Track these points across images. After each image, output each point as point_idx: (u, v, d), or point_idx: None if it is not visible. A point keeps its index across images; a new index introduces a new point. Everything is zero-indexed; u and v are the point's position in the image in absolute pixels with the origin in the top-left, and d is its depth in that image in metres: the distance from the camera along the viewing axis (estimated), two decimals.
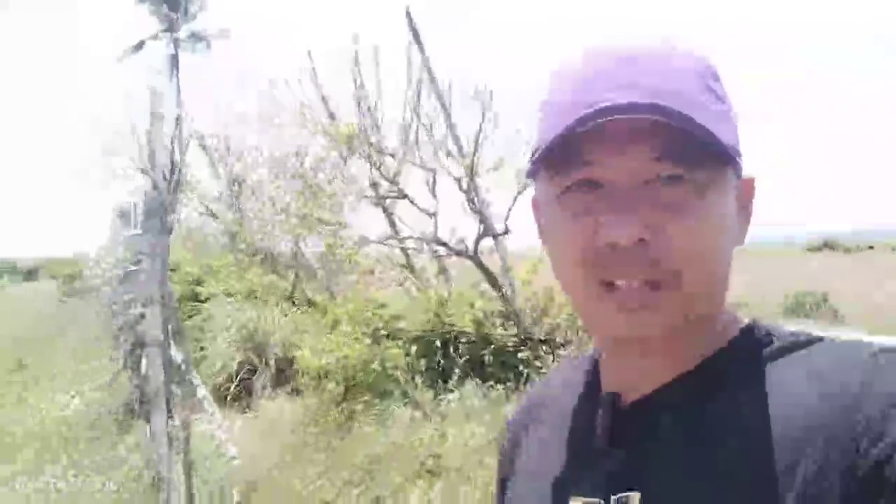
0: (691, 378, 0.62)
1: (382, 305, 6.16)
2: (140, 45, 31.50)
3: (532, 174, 0.64)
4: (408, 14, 5.55)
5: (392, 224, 7.22)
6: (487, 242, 5.63)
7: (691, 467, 0.57)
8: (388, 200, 6.54)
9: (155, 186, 4.45)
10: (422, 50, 5.66)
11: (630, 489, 0.60)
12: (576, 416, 0.71)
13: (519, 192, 5.61)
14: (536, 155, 0.60)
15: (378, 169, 5.82)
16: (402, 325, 6.17)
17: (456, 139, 5.67)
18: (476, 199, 5.65)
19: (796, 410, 0.54)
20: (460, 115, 5.75)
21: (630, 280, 0.57)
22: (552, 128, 0.57)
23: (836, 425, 0.51)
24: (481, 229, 5.75)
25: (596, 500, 0.62)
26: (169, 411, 4.76)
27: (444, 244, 5.88)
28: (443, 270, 7.03)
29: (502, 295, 6.06)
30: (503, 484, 0.80)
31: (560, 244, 0.62)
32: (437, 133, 5.83)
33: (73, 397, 7.68)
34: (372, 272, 7.34)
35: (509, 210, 5.57)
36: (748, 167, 0.65)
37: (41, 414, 7.08)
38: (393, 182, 6.09)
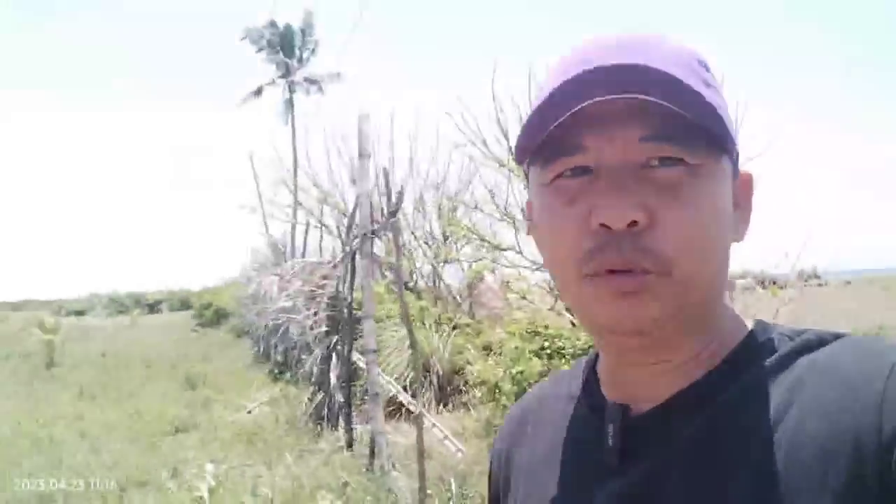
0: (701, 389, 0.59)
1: (546, 326, 6.68)
2: (259, 91, 34.25)
3: (520, 160, 0.63)
4: None
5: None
6: None
7: (714, 482, 0.54)
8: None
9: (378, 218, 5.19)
10: None
11: None
12: (578, 429, 0.68)
13: None
14: (520, 142, 0.58)
15: None
16: (562, 344, 6.67)
17: None
18: None
19: (823, 416, 0.51)
20: None
21: (622, 265, 0.55)
22: (534, 113, 0.56)
23: (864, 431, 0.48)
24: None
25: None
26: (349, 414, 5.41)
27: None
28: None
29: None
30: (498, 499, 0.78)
31: (553, 233, 0.59)
32: None
33: (249, 412, 8.57)
34: (524, 297, 7.87)
35: None
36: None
37: (227, 423, 7.95)
38: None
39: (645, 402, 0.61)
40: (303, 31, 34.09)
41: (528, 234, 0.67)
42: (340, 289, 6.90)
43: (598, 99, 0.53)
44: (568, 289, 0.60)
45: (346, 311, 6.25)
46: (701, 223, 0.55)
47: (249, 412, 8.48)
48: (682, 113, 0.53)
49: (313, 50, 34.39)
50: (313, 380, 7.41)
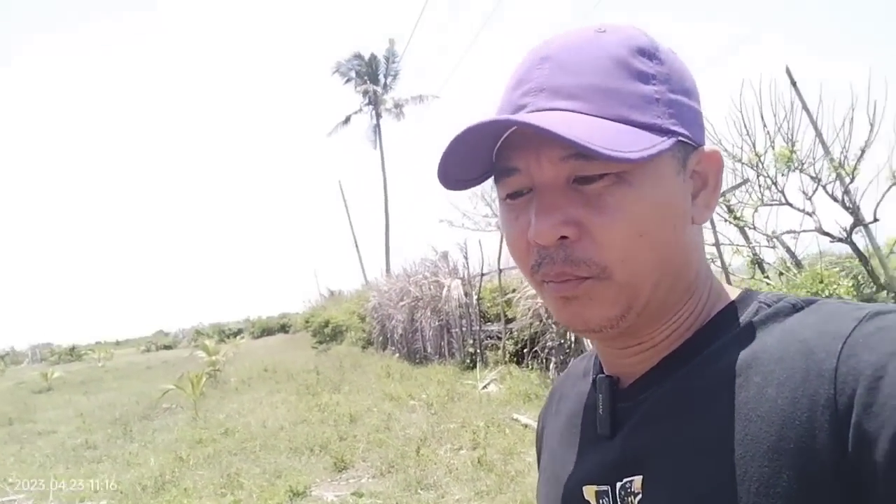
0: (675, 359, 0.62)
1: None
2: (347, 120, 36.33)
3: (450, 187, 0.65)
4: (787, 71, 7.51)
5: (741, 230, 9.06)
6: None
7: (677, 450, 0.56)
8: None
9: None
10: (801, 98, 7.53)
11: (633, 473, 0.60)
12: (584, 402, 0.72)
13: (888, 188, 7.19)
14: (438, 168, 0.61)
15: (774, 182, 7.76)
16: None
17: (829, 156, 7.44)
18: (849, 200, 7.41)
19: (782, 384, 0.51)
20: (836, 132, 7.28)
21: (557, 276, 0.58)
22: (453, 147, 0.58)
23: (820, 400, 0.48)
24: (853, 221, 7.54)
25: (605, 487, 0.62)
26: None
27: (828, 234, 7.78)
28: (795, 263, 8.85)
29: (869, 271, 7.73)
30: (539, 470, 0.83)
31: (510, 245, 0.63)
32: (809, 151, 7.54)
33: (484, 387, 10.10)
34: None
35: (878, 203, 7.14)
36: None
37: (478, 394, 9.46)
38: (781, 191, 8.02)
39: (631, 377, 0.66)
40: (387, 60, 36.21)
41: None
42: None
43: (508, 132, 0.59)
44: (534, 290, 0.65)
45: None
46: (633, 227, 0.57)
47: (485, 387, 10.01)
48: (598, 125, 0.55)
49: (395, 76, 36.47)
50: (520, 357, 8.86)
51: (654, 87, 0.59)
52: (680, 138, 0.59)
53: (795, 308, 0.58)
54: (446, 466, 6.03)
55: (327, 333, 26.36)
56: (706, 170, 0.64)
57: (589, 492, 0.64)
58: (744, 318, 0.60)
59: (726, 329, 0.60)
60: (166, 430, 10.28)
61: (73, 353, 50.68)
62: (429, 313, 14.90)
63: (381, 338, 19.95)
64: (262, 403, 11.71)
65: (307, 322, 31.23)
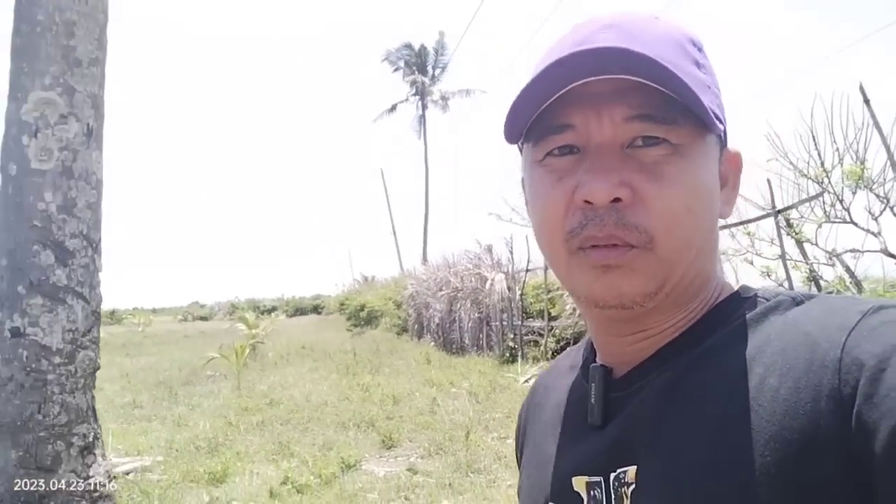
0: (674, 348, 0.61)
1: None
2: (393, 108, 36.81)
3: (511, 140, 0.64)
4: (861, 89, 7.45)
5: (799, 245, 8.99)
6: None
7: (675, 439, 0.55)
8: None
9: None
10: (874, 117, 7.47)
11: (627, 463, 0.58)
12: (572, 394, 0.71)
13: None
14: (508, 122, 0.60)
15: (840, 200, 7.71)
16: None
17: None
18: None
19: (784, 374, 0.51)
20: None
21: (605, 239, 0.56)
22: (526, 92, 0.57)
23: (824, 391, 0.48)
24: None
25: (598, 478, 0.61)
26: None
27: (894, 256, 7.72)
28: (855, 283, 8.74)
29: None
30: (520, 465, 0.82)
31: (542, 209, 0.61)
32: (881, 171, 7.50)
33: (526, 381, 10.20)
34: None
35: None
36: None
37: (520, 386, 9.58)
38: (846, 209, 7.96)
39: (626, 366, 0.64)
40: (436, 52, 36.52)
41: (526, 209, 0.68)
42: None
43: (581, 81, 0.55)
44: (557, 263, 0.62)
45: None
46: (683, 200, 0.57)
47: (527, 381, 10.11)
48: (665, 94, 0.54)
49: (443, 68, 36.79)
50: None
51: (705, 75, 0.61)
52: (720, 131, 0.61)
53: (796, 301, 0.58)
54: (495, 453, 6.15)
55: (362, 317, 26.71)
56: (727, 170, 0.65)
57: (579, 483, 0.63)
58: (744, 310, 0.60)
59: (727, 321, 0.60)
60: (211, 396, 10.60)
61: (112, 317, 51.97)
62: (468, 305, 15.03)
63: (416, 326, 20.15)
64: (303, 378, 11.98)
65: (342, 305, 31.66)
